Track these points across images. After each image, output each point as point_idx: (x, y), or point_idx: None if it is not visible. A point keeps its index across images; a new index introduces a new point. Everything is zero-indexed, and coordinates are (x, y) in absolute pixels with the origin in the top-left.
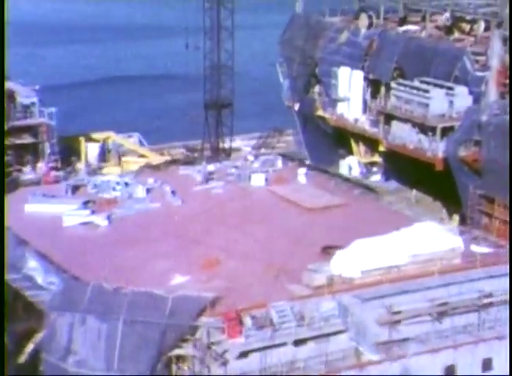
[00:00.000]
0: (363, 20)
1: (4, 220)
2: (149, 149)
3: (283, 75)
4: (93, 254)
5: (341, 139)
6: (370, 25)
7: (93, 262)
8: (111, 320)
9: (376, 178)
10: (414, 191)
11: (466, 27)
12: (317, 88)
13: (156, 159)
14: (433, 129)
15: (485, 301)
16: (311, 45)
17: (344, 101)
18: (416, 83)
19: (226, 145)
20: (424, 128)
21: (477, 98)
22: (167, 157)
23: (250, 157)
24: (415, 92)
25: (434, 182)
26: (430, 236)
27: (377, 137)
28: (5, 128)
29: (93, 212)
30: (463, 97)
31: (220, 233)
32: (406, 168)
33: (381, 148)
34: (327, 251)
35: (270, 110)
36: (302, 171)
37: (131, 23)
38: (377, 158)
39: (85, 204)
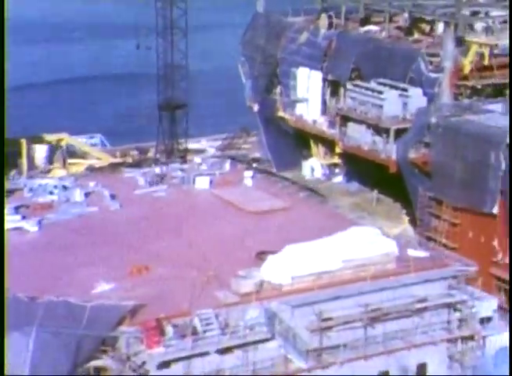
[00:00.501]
0: (323, 21)
1: (4, 220)
2: (111, 150)
3: (245, 75)
4: (17, 261)
5: (303, 140)
6: (330, 25)
7: (15, 270)
8: (25, 331)
9: (338, 179)
10: (375, 192)
11: (426, 27)
12: (279, 89)
13: (107, 161)
14: (387, 131)
15: (419, 306)
16: (272, 45)
17: (303, 102)
18: (371, 84)
19: (193, 145)
20: (379, 130)
21: (432, 99)
22: (120, 160)
23: (198, 160)
24: (370, 93)
25: (392, 183)
26: (365, 241)
27: (334, 138)
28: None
29: (24, 217)
30: (417, 98)
31: (155, 237)
32: (367, 170)
33: (337, 150)
34: (261, 256)
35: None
36: (248, 174)
37: (93, 22)
38: (337, 160)
39: (17, 208)
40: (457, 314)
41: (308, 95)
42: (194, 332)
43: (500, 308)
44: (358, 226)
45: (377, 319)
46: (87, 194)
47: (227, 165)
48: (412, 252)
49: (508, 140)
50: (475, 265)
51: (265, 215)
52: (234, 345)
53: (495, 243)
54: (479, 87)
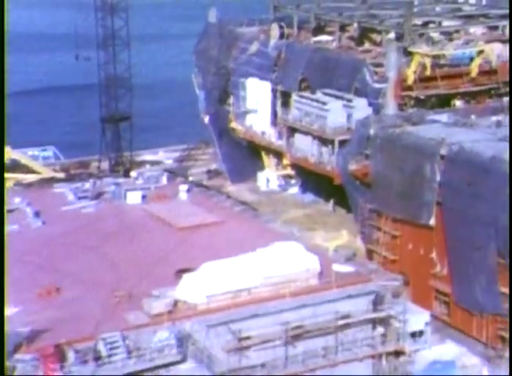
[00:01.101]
0: (274, 30)
1: (4, 221)
2: (62, 164)
3: (199, 86)
4: None
5: (256, 151)
6: (282, 35)
7: None
8: None
9: (293, 190)
10: (331, 204)
11: (378, 37)
12: (231, 100)
13: (45, 175)
14: (332, 142)
15: (342, 322)
16: (224, 56)
17: (253, 113)
18: (317, 95)
19: (149, 157)
20: (324, 141)
21: (377, 110)
22: (61, 174)
23: (133, 174)
24: (314, 104)
25: (345, 194)
26: (286, 257)
27: (282, 150)
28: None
29: None
30: (362, 109)
31: (74, 256)
32: (320, 181)
33: (285, 161)
34: (181, 274)
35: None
36: (184, 187)
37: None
38: (290, 171)
39: None
40: (381, 329)
41: (257, 106)
42: (98, 356)
43: (436, 320)
44: (282, 242)
45: (298, 337)
46: (9, 211)
47: (164, 179)
48: (337, 267)
49: (443, 152)
50: (400, 279)
51: (194, 230)
52: (142, 369)
53: (434, 255)
54: (422, 97)
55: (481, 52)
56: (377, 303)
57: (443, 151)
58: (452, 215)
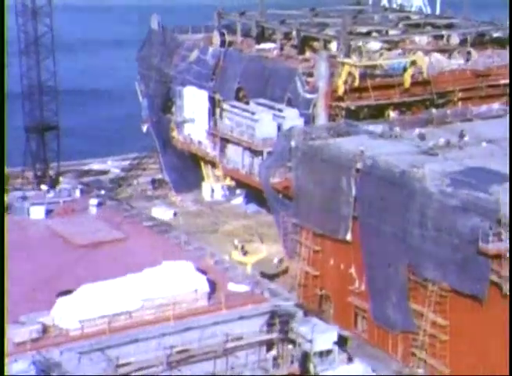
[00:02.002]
0: (215, 38)
1: (4, 221)
2: None
3: (142, 93)
4: None
5: (198, 161)
6: (223, 43)
7: None
8: None
9: (237, 201)
10: None
11: (319, 46)
12: (174, 108)
13: None
14: (262, 153)
15: (232, 345)
16: (166, 63)
17: (190, 122)
18: (250, 105)
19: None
20: (254, 152)
21: (308, 120)
22: None
23: (44, 187)
24: (245, 114)
25: None
26: (173, 277)
27: (216, 161)
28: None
29: None
30: (292, 120)
31: None
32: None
33: (217, 172)
34: (60, 296)
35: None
36: (94, 202)
37: None
38: (230, 182)
39: None
40: (274, 352)
41: (194, 115)
42: None
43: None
44: (171, 261)
45: (183, 362)
46: None
47: (77, 192)
48: (233, 286)
49: (358, 165)
50: (294, 299)
51: (94, 247)
52: None
53: (352, 270)
54: (353, 108)
55: (413, 62)
56: (273, 324)
57: (359, 165)
58: (367, 230)
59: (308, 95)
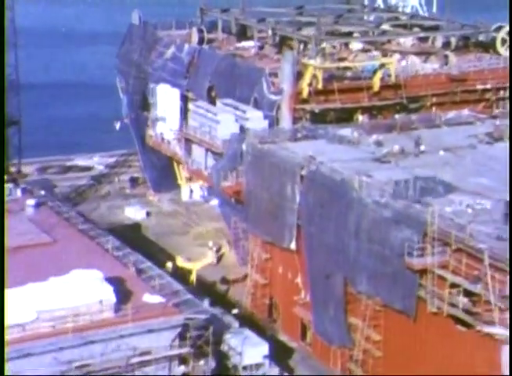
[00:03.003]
0: (193, 35)
1: (4, 221)
2: None
3: (122, 90)
4: None
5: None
6: (201, 40)
7: None
8: None
9: (215, 202)
10: None
11: (296, 45)
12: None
13: None
14: (222, 155)
15: (139, 359)
16: (144, 59)
17: (162, 120)
18: (216, 105)
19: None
20: (216, 154)
21: (272, 123)
22: None
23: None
24: (209, 115)
25: None
26: (78, 287)
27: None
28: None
29: None
30: (256, 121)
31: None
32: None
33: (183, 173)
34: None
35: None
36: (31, 202)
37: None
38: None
39: None
40: (182, 367)
41: (166, 113)
42: None
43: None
44: (81, 269)
45: None
46: None
47: (18, 192)
48: (148, 297)
49: (303, 172)
50: (208, 312)
51: (13, 251)
52: None
53: (299, 280)
54: (317, 111)
55: (382, 65)
56: (185, 338)
57: (303, 171)
58: (309, 239)
59: (273, 97)
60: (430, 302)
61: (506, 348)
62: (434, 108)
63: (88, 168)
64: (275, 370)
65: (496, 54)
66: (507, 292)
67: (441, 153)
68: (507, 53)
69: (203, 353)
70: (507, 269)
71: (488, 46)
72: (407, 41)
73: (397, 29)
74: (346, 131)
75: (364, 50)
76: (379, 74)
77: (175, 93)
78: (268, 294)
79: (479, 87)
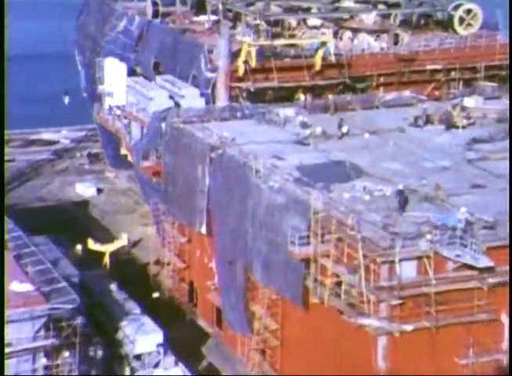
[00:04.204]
0: (148, 8)
1: (4, 221)
2: None
3: (81, 63)
4: None
5: None
6: (156, 13)
7: None
8: None
9: None
10: None
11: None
12: None
13: None
14: None
15: None
16: (99, 32)
17: (108, 95)
18: (156, 81)
19: None
20: None
21: (208, 100)
22: None
23: None
24: (144, 91)
25: None
26: None
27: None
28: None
29: None
30: (191, 99)
31: None
32: None
33: (122, 151)
34: None
35: None
36: None
37: None
38: None
39: None
40: (44, 360)
41: (112, 88)
42: None
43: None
44: None
45: None
46: None
47: None
48: (15, 286)
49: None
50: (76, 302)
51: None
52: None
53: (213, 265)
54: (252, 90)
55: (323, 43)
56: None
57: (213, 154)
58: (216, 224)
59: (209, 74)
60: (313, 293)
61: (383, 340)
62: (381, 88)
63: (52, 143)
64: (171, 360)
65: (455, 33)
66: (382, 283)
67: (366, 135)
68: (465, 32)
69: (74, 344)
70: (380, 259)
71: (448, 25)
72: (369, 18)
73: (357, 5)
74: (289, 111)
75: (322, 27)
76: (320, 53)
77: (122, 67)
78: (188, 277)
79: (429, 67)
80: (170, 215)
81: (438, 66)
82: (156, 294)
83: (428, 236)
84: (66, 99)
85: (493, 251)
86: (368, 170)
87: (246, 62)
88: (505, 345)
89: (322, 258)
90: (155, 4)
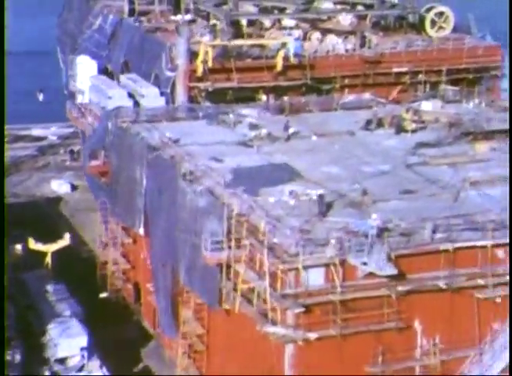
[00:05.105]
0: (125, 6)
1: (4, 220)
2: None
3: (63, 61)
4: None
5: None
6: (132, 11)
7: None
8: None
9: None
10: None
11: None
12: None
13: None
14: None
15: None
16: (78, 30)
17: (79, 93)
18: (120, 80)
19: None
20: None
21: (168, 100)
22: None
23: None
24: (105, 90)
25: None
26: None
27: None
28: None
29: None
30: (151, 98)
31: None
32: None
33: None
34: None
35: None
36: None
37: None
38: None
39: None
40: None
41: (83, 86)
42: None
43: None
44: None
45: None
46: None
47: None
48: None
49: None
50: None
51: None
52: None
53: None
54: (210, 90)
55: (283, 44)
56: None
57: (149, 155)
58: (151, 226)
59: (169, 73)
60: (225, 299)
61: (290, 348)
62: (346, 90)
63: (40, 139)
64: (95, 364)
65: (427, 36)
66: (288, 290)
67: (314, 138)
68: (437, 35)
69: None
70: (284, 266)
71: (421, 28)
72: (346, 20)
73: (332, 7)
74: (250, 112)
75: (295, 28)
76: (281, 54)
77: (93, 65)
78: (134, 278)
79: (395, 70)
80: (114, 215)
81: (404, 69)
82: (103, 295)
83: (334, 243)
84: (41, 96)
85: (405, 258)
86: (304, 173)
87: (205, 62)
88: (418, 352)
89: (236, 264)
90: (131, 2)
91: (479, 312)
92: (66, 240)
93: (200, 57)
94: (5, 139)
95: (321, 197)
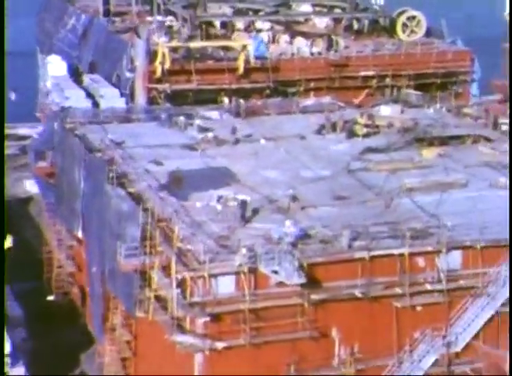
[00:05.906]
0: (100, 6)
1: (4, 220)
2: None
3: (41, 60)
4: None
5: None
6: (107, 12)
7: None
8: None
9: None
10: None
11: None
12: None
13: None
14: None
15: None
16: (55, 30)
17: (49, 93)
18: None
19: None
20: None
21: (128, 101)
22: None
23: None
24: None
25: None
26: None
27: None
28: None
29: None
30: (111, 99)
31: None
32: None
33: None
34: None
35: None
36: None
37: None
38: None
39: None
40: None
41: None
42: None
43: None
44: None
45: None
46: None
47: None
48: None
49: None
50: None
51: None
52: None
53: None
54: (168, 92)
55: (244, 46)
56: None
57: (87, 157)
58: (86, 229)
59: (128, 74)
60: (138, 306)
61: (199, 357)
62: (311, 93)
63: (25, 138)
64: (19, 369)
65: (399, 40)
66: (196, 299)
67: (262, 142)
68: (410, 38)
69: None
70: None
71: (394, 32)
72: (321, 23)
73: (307, 10)
74: (212, 114)
75: (270, 30)
76: (242, 56)
77: (63, 65)
78: (79, 281)
79: (362, 73)
80: (59, 217)
81: (371, 73)
82: (51, 297)
83: (245, 251)
84: (13, 96)
85: (321, 266)
86: (242, 178)
87: (163, 63)
88: (335, 361)
89: (152, 270)
90: (106, 2)
91: (398, 321)
92: (8, 242)
93: (159, 58)
94: None
95: (243, 202)
